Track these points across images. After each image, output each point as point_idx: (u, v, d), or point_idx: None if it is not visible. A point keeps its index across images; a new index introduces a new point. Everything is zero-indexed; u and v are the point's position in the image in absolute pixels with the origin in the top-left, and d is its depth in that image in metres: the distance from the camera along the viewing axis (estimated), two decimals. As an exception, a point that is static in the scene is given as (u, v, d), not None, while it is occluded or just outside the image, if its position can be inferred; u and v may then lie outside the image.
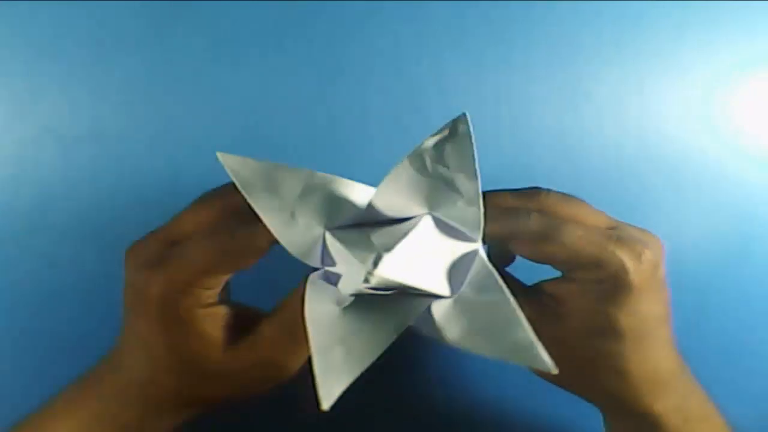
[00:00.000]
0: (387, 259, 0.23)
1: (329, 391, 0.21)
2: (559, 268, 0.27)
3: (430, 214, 0.25)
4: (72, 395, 0.30)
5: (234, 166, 0.24)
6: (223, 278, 0.27)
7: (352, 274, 0.24)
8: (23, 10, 0.38)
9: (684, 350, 0.39)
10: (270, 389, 0.29)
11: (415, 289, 0.24)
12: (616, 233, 0.26)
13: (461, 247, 0.25)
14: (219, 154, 0.24)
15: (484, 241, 0.26)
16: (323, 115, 0.39)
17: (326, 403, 0.21)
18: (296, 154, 0.38)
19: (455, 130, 0.23)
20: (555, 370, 0.21)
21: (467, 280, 0.24)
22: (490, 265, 0.25)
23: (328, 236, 0.25)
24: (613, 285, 0.25)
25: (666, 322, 0.28)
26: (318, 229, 0.25)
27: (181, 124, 0.39)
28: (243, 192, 0.24)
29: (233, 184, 0.25)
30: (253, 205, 0.24)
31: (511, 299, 0.23)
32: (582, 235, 0.25)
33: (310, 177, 0.24)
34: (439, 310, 0.24)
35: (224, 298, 0.28)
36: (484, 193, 0.27)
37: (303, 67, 0.39)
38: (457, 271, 0.25)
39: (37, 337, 0.38)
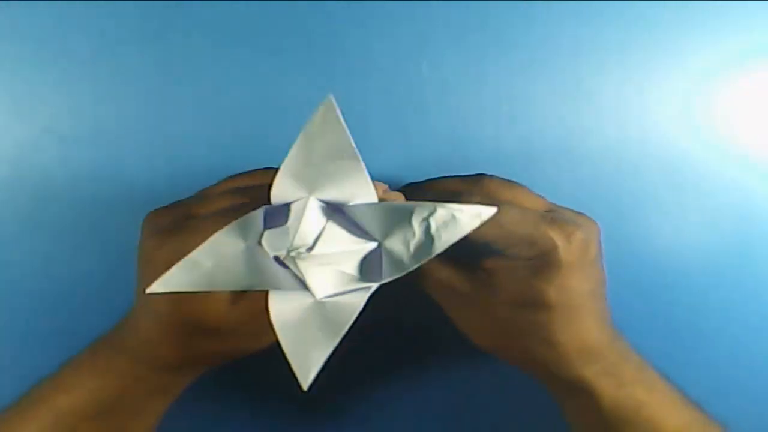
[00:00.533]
0: (313, 254, 0.26)
1: (168, 283, 0.25)
2: (496, 246, 0.29)
3: (378, 242, 0.27)
4: (93, 351, 0.32)
5: (330, 106, 0.25)
6: None
7: (283, 237, 0.26)
8: (23, 10, 0.38)
9: (684, 350, 0.39)
10: (268, 344, 0.30)
11: (305, 283, 0.26)
12: (550, 215, 0.29)
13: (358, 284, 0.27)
14: (328, 100, 0.25)
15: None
16: (323, 115, 0.39)
17: (155, 289, 0.24)
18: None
19: (472, 216, 0.25)
20: (305, 388, 0.24)
21: (336, 296, 0.26)
22: (358, 308, 0.26)
23: (310, 200, 0.26)
24: (543, 261, 0.28)
25: (595, 297, 0.30)
26: (305, 192, 0.27)
27: (181, 124, 0.39)
28: (309, 121, 0.25)
29: (268, 175, 0.27)
30: (300, 135, 0.26)
31: (340, 337, 0.25)
32: (517, 216, 0.28)
33: (354, 160, 0.26)
34: (297, 297, 0.26)
35: None
36: (434, 179, 0.31)
37: (303, 67, 0.39)
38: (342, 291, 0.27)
39: (37, 336, 0.38)
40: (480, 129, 0.39)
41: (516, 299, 0.29)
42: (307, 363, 0.24)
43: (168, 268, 0.28)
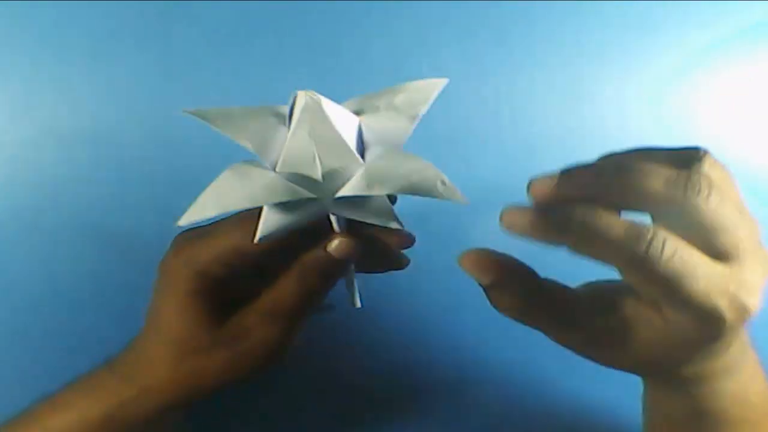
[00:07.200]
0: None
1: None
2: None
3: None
4: (91, 372, 0.31)
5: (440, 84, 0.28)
6: (239, 260, 0.28)
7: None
8: (23, 10, 0.38)
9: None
10: (260, 373, 0.30)
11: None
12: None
13: None
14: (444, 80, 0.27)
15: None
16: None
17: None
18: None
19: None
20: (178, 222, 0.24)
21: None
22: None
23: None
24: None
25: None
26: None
27: (181, 124, 0.38)
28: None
29: None
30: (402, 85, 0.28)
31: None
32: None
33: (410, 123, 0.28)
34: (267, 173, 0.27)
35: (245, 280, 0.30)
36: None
37: (303, 66, 0.39)
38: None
39: (36, 336, 0.38)
40: (480, 129, 0.39)
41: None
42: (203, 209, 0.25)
43: (181, 278, 0.28)
